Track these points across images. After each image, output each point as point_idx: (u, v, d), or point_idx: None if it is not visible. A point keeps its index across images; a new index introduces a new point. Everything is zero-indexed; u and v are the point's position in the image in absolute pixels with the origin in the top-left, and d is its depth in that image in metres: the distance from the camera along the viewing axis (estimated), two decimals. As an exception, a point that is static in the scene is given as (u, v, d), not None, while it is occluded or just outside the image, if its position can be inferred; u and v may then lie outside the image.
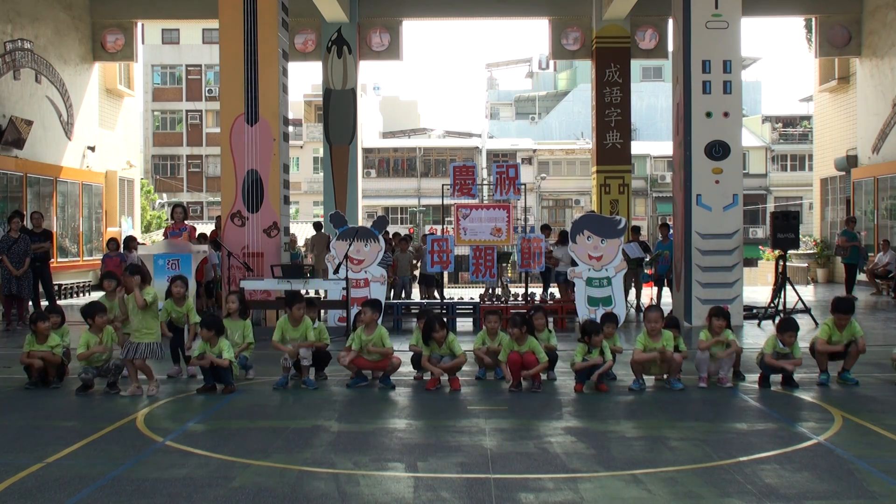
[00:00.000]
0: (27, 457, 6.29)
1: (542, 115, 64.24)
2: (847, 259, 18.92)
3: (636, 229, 18.42)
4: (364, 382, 9.14)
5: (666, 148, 37.14)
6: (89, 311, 8.96)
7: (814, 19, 22.64)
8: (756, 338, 12.41)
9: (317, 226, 19.50)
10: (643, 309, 13.45)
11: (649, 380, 9.13)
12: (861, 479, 5.73)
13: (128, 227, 24.50)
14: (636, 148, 35.47)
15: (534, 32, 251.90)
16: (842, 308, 9.11)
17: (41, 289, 15.18)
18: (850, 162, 23.34)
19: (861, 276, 19.86)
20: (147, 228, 36.47)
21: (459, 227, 14.04)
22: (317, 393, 8.81)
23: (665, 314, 9.34)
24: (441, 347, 9.07)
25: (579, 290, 13.03)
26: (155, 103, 56.88)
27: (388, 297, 14.51)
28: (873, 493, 5.45)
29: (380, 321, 9.66)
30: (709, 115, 13.95)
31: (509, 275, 21.24)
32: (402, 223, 50.33)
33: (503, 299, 14.55)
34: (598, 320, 9.58)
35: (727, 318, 9.17)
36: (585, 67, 39.72)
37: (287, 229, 14.66)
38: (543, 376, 9.08)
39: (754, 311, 15.23)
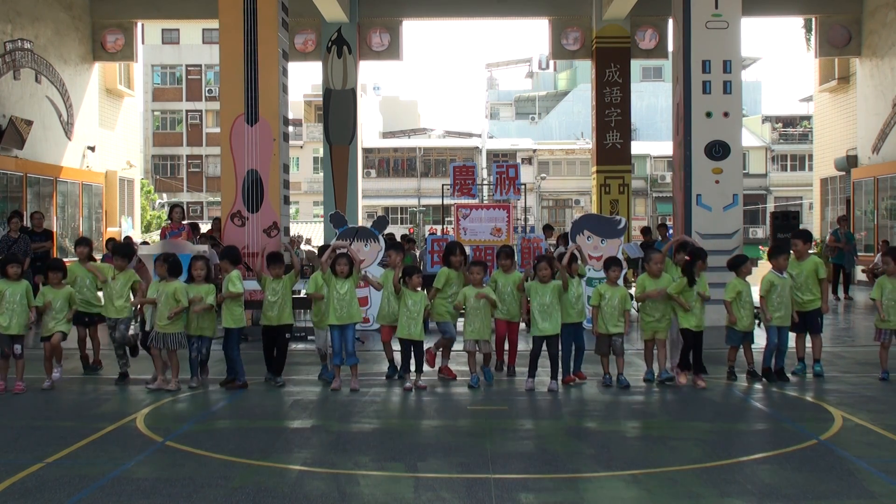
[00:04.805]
0: (27, 457, 6.30)
1: (542, 115, 64.25)
2: (834, 259, 18.90)
3: (647, 230, 18.36)
4: (395, 374, 9.40)
5: (666, 148, 37.15)
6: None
7: (814, 19, 22.62)
8: (756, 337, 12.38)
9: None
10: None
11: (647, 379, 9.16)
12: (861, 479, 5.73)
13: (128, 227, 24.51)
14: (636, 148, 35.46)
15: (534, 32, 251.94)
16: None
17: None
18: (850, 162, 23.32)
19: (862, 277, 19.82)
20: (147, 228, 36.44)
21: (459, 227, 14.04)
22: (318, 393, 8.81)
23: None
24: (458, 271, 9.42)
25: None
26: (155, 103, 56.89)
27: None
28: (873, 493, 5.45)
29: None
30: (709, 115, 13.93)
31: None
32: (402, 223, 50.33)
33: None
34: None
35: (704, 256, 9.41)
36: (585, 67, 39.69)
37: (287, 229, 14.67)
38: (544, 378, 9.07)
39: (754, 311, 15.20)
